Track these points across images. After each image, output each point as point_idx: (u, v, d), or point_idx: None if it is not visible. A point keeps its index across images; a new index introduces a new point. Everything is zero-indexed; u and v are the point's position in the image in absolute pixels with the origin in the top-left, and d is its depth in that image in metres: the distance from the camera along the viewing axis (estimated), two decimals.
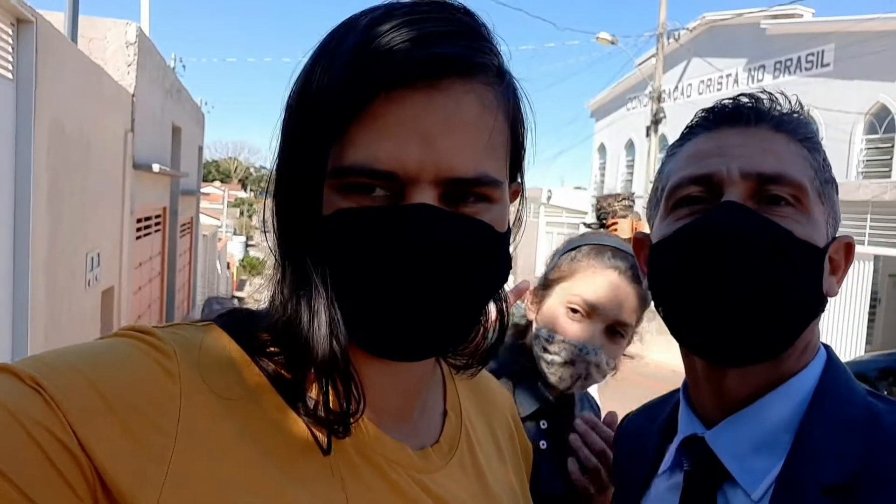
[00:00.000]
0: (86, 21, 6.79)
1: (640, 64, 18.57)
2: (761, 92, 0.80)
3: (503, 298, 0.74)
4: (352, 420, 0.60)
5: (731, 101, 0.81)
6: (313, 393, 0.61)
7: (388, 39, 0.57)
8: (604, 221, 1.54)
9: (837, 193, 0.79)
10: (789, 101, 0.80)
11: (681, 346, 0.79)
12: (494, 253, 0.62)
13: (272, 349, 0.61)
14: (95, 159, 5.90)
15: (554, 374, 1.29)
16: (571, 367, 1.27)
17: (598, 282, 1.31)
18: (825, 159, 0.78)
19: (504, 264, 0.65)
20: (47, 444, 0.48)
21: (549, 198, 22.41)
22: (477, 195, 0.60)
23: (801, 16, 15.67)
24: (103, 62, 6.76)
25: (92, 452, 0.49)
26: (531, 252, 20.01)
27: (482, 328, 0.74)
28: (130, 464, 0.51)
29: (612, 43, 16.83)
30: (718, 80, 17.59)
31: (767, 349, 0.72)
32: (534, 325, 1.37)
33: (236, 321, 0.64)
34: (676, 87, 19.05)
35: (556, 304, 1.32)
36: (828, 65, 14.35)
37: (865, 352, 12.17)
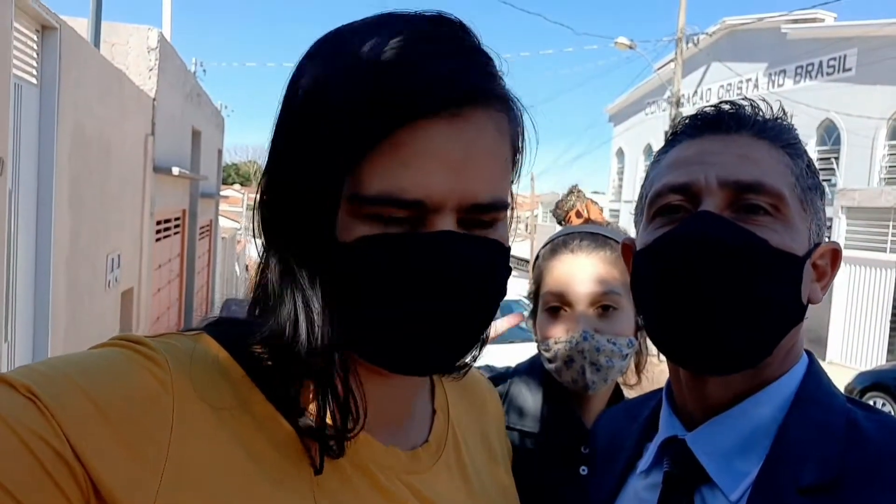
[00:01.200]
0: (108, 27, 6.91)
1: (658, 69, 18.48)
2: (743, 99, 0.80)
3: None
4: (349, 437, 0.61)
5: (713, 108, 0.81)
6: (308, 406, 0.62)
7: (413, 64, 0.57)
8: (562, 223, 1.53)
9: (823, 199, 0.79)
10: (771, 108, 0.80)
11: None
12: (506, 268, 0.66)
13: (265, 360, 0.61)
14: (116, 162, 5.99)
15: (565, 378, 1.25)
16: (572, 363, 1.23)
17: (558, 271, 1.28)
18: (809, 165, 0.78)
19: (508, 276, 0.68)
20: (42, 452, 0.49)
21: None
22: (489, 218, 0.62)
23: (823, 20, 15.49)
24: (125, 67, 6.87)
25: (86, 461, 0.50)
26: None
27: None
28: (125, 473, 0.51)
29: (631, 48, 16.76)
30: (738, 84, 17.45)
31: (743, 359, 0.72)
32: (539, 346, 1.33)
33: (227, 331, 0.64)
34: (696, 92, 18.92)
35: (540, 313, 1.32)
36: (850, 69, 14.18)
37: (887, 361, 11.97)
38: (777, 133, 0.77)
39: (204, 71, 23.78)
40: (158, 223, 7.98)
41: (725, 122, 0.78)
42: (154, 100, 7.27)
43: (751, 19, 16.79)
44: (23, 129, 4.04)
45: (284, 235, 0.62)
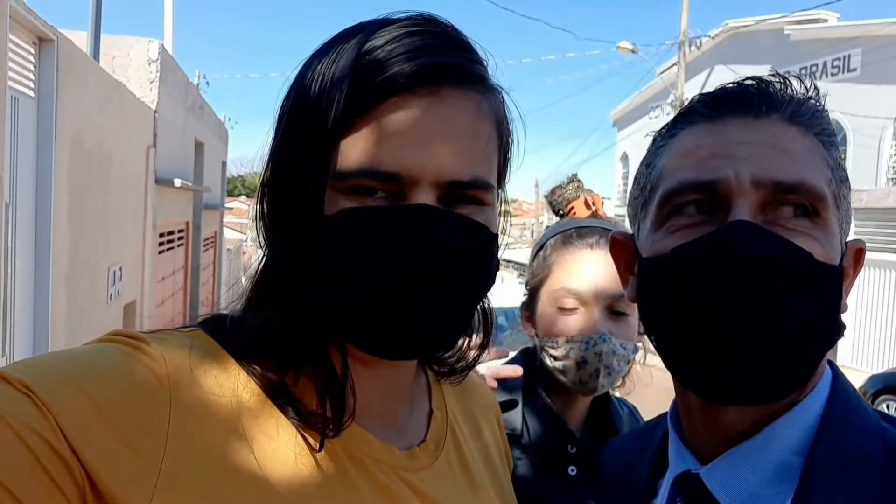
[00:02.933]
0: (109, 40, 6.92)
1: (661, 72, 18.44)
2: (772, 74, 0.67)
3: (487, 300, 0.76)
4: (345, 420, 0.61)
5: (735, 84, 0.68)
6: (303, 394, 0.62)
7: (391, 48, 0.59)
8: (560, 212, 1.45)
9: (850, 190, 0.69)
10: (804, 85, 0.67)
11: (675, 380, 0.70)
12: (488, 253, 0.65)
13: (259, 351, 0.62)
14: (117, 174, 5.98)
15: (571, 378, 1.19)
16: (585, 364, 1.17)
17: (576, 266, 1.22)
18: (840, 155, 0.68)
19: (494, 265, 0.67)
20: (38, 448, 0.48)
21: None
22: (471, 198, 0.62)
23: (826, 21, 15.43)
24: (126, 79, 6.87)
25: (83, 456, 0.50)
26: None
27: (467, 337, 0.75)
28: (122, 467, 0.51)
29: (633, 52, 16.73)
30: None
31: (785, 391, 0.63)
32: (535, 340, 1.28)
33: (221, 325, 0.65)
34: None
35: (547, 308, 1.24)
36: (854, 69, 14.10)
37: None
38: (811, 117, 0.66)
39: (207, 83, 23.94)
40: (161, 235, 7.96)
41: (753, 102, 0.65)
42: (155, 112, 7.26)
43: (753, 21, 16.75)
44: (20, 142, 4.02)
45: (277, 223, 0.63)
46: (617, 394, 1.33)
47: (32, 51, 4.21)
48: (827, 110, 0.68)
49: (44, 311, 4.39)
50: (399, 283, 0.58)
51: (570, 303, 1.21)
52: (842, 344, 13.25)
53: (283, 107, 0.65)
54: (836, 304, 0.63)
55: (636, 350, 1.22)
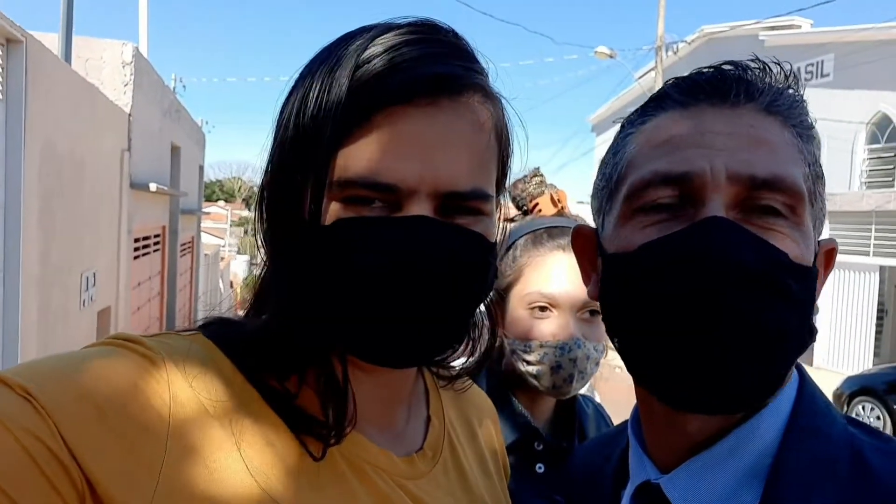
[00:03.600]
0: (81, 41, 6.81)
1: (639, 77, 18.60)
2: (752, 59, 0.63)
3: (491, 306, 0.77)
4: (346, 428, 0.61)
5: (711, 69, 0.64)
6: (303, 401, 0.62)
7: (391, 57, 0.59)
8: (524, 208, 1.42)
9: (825, 187, 0.66)
10: (783, 71, 0.64)
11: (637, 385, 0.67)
12: (486, 263, 0.64)
13: (260, 357, 0.62)
14: (90, 179, 5.88)
15: (545, 384, 1.17)
16: (560, 370, 1.15)
17: (548, 269, 1.20)
18: (818, 148, 0.64)
19: (492, 274, 0.67)
20: (37, 452, 0.48)
21: None
22: (470, 208, 0.62)
23: (800, 27, 15.69)
24: (99, 82, 6.76)
25: (82, 460, 0.50)
26: None
27: (470, 340, 0.75)
28: (121, 471, 0.51)
29: (611, 56, 16.86)
30: None
31: (757, 397, 0.60)
32: (505, 343, 1.25)
33: (222, 330, 0.65)
34: None
35: (518, 310, 1.21)
36: (828, 75, 14.34)
37: (873, 364, 12.02)
38: (790, 107, 0.62)
39: (184, 87, 23.71)
40: (137, 240, 7.84)
41: (731, 89, 0.61)
42: (130, 115, 7.16)
43: (728, 27, 16.97)
44: None
45: (276, 230, 0.64)
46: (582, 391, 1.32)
47: (0, 52, 4.12)
48: (805, 101, 0.65)
49: (13, 320, 4.29)
50: (396, 294, 0.58)
51: (543, 306, 1.19)
52: (818, 346, 13.42)
53: (282, 113, 0.65)
54: (810, 307, 0.60)
55: (603, 350, 1.20)
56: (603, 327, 1.16)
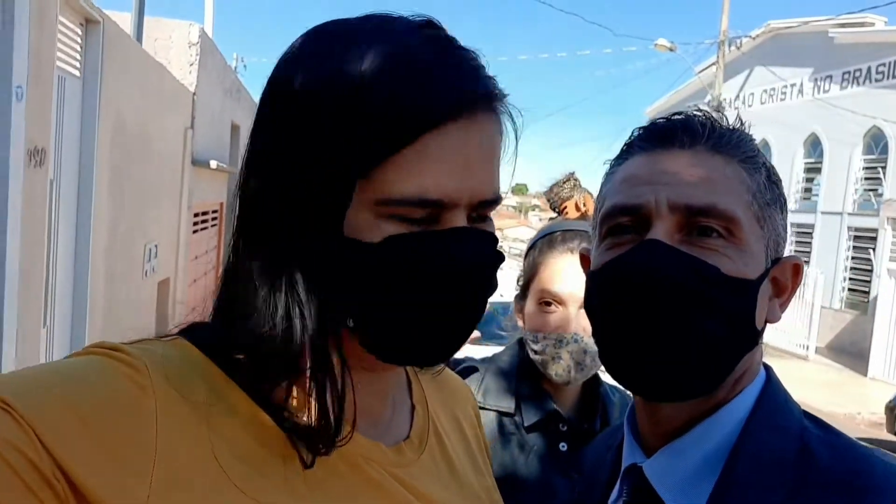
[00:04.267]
0: (152, 22, 7.04)
1: (700, 72, 18.16)
2: (697, 110, 0.77)
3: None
4: (339, 442, 0.61)
5: (665, 120, 0.77)
6: (296, 405, 0.63)
7: (428, 75, 0.60)
8: (557, 209, 1.54)
9: (784, 212, 0.76)
10: (727, 119, 0.77)
11: None
12: (502, 259, 0.69)
13: (250, 361, 0.61)
14: (156, 155, 6.11)
15: (549, 371, 1.33)
16: (559, 360, 1.31)
17: (556, 269, 1.34)
18: (769, 177, 0.74)
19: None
20: (18, 464, 0.48)
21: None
22: (489, 212, 0.67)
23: (873, 24, 15.03)
24: (167, 61, 7.00)
25: (70, 471, 0.49)
26: None
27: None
28: (112, 481, 0.51)
29: (671, 50, 16.50)
30: (782, 89, 17.05)
31: (693, 391, 0.71)
32: (523, 333, 1.41)
33: (203, 335, 0.64)
34: (738, 96, 18.55)
35: (532, 304, 1.37)
36: None
37: None
38: (735, 146, 0.74)
39: (245, 66, 24.13)
40: (196, 215, 8.11)
41: (678, 136, 0.74)
42: (194, 94, 7.39)
43: (796, 23, 16.39)
44: (65, 121, 4.15)
45: (280, 235, 0.62)
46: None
47: (80, 32, 4.33)
48: (753, 139, 0.76)
49: (83, 285, 4.53)
50: (448, 302, 0.62)
51: (550, 302, 1.33)
52: (874, 356, 12.99)
53: (288, 110, 0.62)
54: (745, 314, 0.70)
55: None
56: None
